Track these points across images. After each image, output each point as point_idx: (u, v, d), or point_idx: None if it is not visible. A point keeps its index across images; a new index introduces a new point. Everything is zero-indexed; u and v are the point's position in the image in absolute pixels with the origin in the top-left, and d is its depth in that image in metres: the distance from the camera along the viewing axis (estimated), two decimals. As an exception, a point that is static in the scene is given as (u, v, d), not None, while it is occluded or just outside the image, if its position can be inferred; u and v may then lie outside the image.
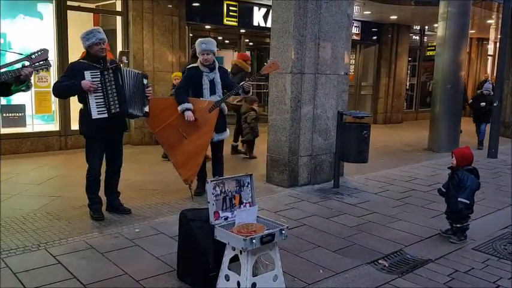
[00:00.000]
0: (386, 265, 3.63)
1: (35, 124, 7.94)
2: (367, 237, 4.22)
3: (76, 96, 4.31)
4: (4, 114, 7.52)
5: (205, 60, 5.03)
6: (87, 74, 4.12)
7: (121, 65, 4.60)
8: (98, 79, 4.16)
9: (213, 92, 5.08)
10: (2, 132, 7.17)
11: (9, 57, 3.53)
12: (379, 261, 3.70)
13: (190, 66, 5.41)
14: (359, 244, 4.03)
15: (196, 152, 5.01)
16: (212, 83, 5.08)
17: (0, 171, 3.53)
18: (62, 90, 4.28)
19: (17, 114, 7.68)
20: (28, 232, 4.02)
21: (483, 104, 9.64)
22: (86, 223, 4.32)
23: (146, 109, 4.48)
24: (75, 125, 7.82)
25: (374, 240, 4.15)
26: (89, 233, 4.03)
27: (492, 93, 9.46)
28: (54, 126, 8.11)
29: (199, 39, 5.17)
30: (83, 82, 4.09)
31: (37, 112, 7.95)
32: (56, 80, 7.49)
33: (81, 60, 4.37)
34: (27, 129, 7.81)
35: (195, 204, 4.87)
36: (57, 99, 7.81)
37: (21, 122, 7.73)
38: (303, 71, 5.79)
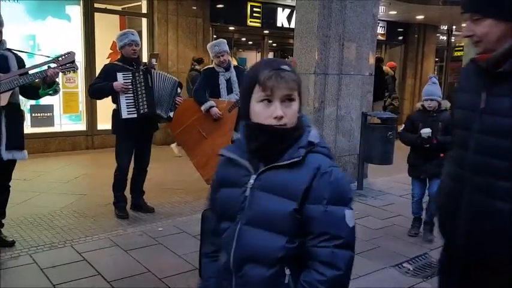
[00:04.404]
0: (411, 268, 3.57)
1: (62, 124, 8.13)
2: (391, 240, 4.16)
3: (110, 97, 4.44)
4: (33, 114, 7.73)
5: (223, 62, 5.05)
6: (120, 76, 4.27)
7: (155, 67, 4.75)
8: (130, 80, 4.28)
9: (230, 91, 5.11)
10: (31, 132, 7.36)
11: (39, 60, 3.65)
12: (404, 264, 3.64)
13: (206, 67, 5.49)
14: (383, 247, 3.97)
15: (217, 152, 5.00)
16: (228, 82, 5.11)
17: (12, 171, 3.68)
18: (96, 92, 4.45)
19: (46, 114, 7.88)
20: (55, 229, 4.12)
21: (426, 131, 3.91)
22: (111, 221, 4.39)
23: (171, 114, 4.58)
24: (101, 125, 8.03)
25: (398, 243, 4.09)
26: (113, 231, 4.10)
27: (447, 106, 3.84)
28: (81, 126, 8.29)
29: (210, 43, 5.23)
30: (114, 83, 4.23)
31: (65, 112, 8.14)
32: (86, 81, 7.74)
33: (115, 62, 4.53)
34: (55, 128, 8.00)
35: (218, 204, 4.89)
36: (84, 99, 8.02)
37: (50, 121, 7.93)
38: (327, 71, 5.74)
